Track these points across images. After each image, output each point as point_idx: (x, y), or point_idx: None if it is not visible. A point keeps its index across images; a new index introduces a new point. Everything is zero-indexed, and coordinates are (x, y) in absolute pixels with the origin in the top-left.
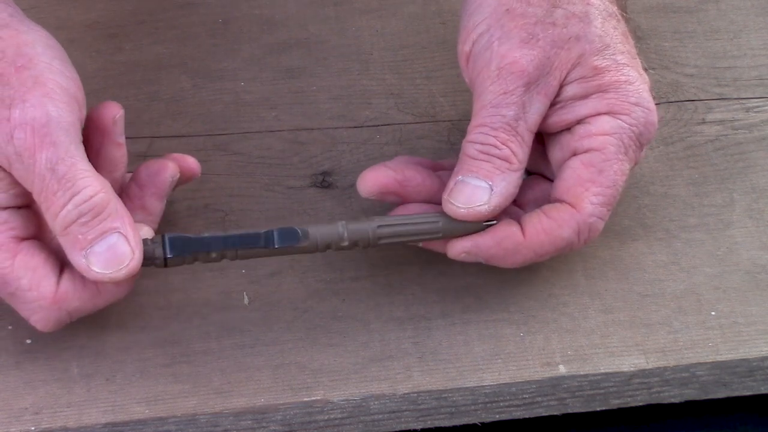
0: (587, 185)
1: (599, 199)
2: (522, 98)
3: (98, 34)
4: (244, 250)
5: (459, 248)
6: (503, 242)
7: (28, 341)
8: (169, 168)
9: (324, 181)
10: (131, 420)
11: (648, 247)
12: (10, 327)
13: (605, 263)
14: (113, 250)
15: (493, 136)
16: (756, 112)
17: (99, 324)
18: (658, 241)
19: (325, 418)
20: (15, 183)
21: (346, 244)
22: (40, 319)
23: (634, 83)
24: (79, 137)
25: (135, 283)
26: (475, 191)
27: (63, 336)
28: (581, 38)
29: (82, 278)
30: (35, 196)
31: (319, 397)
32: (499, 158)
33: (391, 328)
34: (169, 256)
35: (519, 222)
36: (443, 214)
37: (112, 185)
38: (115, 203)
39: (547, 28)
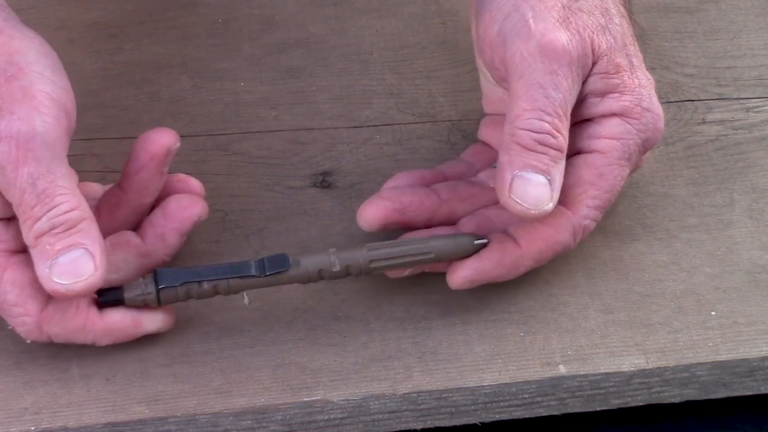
0: (585, 187)
1: (595, 202)
2: (567, 80)
3: (98, 34)
4: (237, 281)
5: (461, 278)
6: (503, 261)
7: (28, 341)
8: (198, 206)
9: (324, 181)
10: (131, 420)
11: (648, 247)
12: (10, 327)
13: (605, 263)
14: (75, 263)
15: (549, 123)
16: (756, 112)
17: None
18: (658, 241)
19: (325, 418)
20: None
21: (337, 270)
22: (22, 331)
23: (646, 87)
24: (64, 151)
25: (121, 334)
26: (539, 190)
27: None
28: (606, 30)
29: (73, 309)
30: (15, 208)
31: (319, 397)
32: (554, 148)
33: (391, 328)
34: (160, 287)
35: (507, 232)
36: (434, 237)
37: (137, 209)
38: (89, 223)
39: (575, 13)
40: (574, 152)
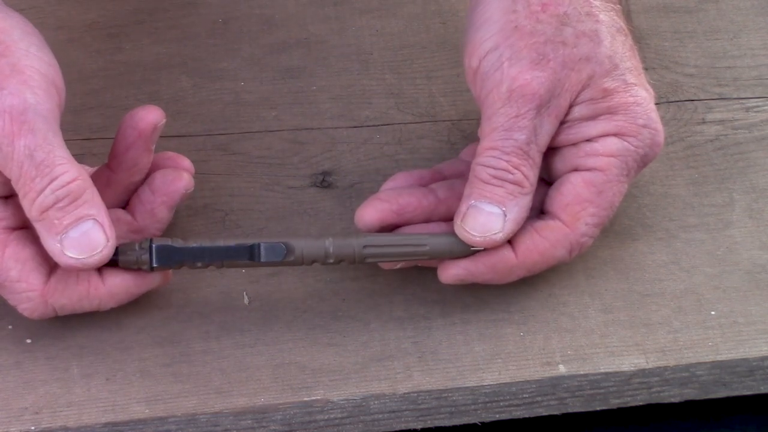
0: (585, 205)
1: (594, 219)
2: (533, 121)
3: (98, 34)
4: (230, 262)
5: (452, 275)
6: (496, 266)
7: (28, 341)
8: (184, 179)
9: (324, 181)
10: (131, 420)
11: (648, 246)
12: (10, 327)
13: (605, 263)
14: (88, 236)
15: (506, 161)
16: (756, 112)
17: (99, 324)
18: (658, 240)
19: (325, 417)
20: None
21: (331, 261)
22: (26, 308)
23: (642, 104)
24: (57, 123)
25: (125, 295)
26: (490, 218)
27: (63, 336)
28: (591, 59)
29: (74, 278)
30: (13, 183)
31: (319, 397)
32: (511, 183)
33: (391, 327)
34: (154, 265)
35: (509, 240)
36: (432, 235)
37: (128, 188)
38: (92, 191)
39: (557, 48)
40: (572, 168)
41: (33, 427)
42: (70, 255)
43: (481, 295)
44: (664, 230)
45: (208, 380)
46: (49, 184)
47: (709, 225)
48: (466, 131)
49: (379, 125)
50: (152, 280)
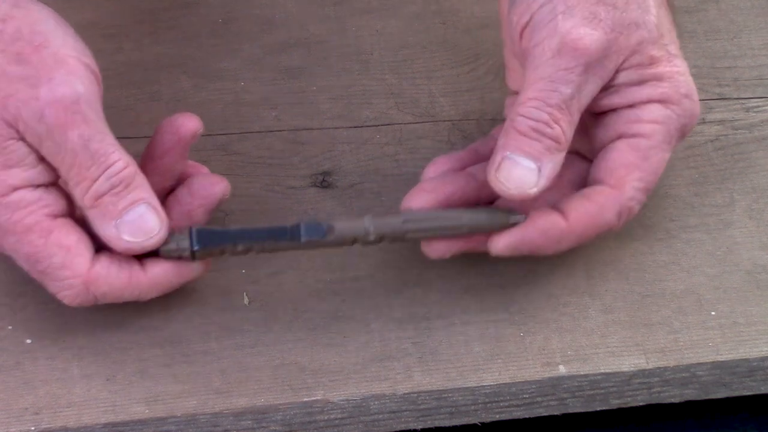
0: (631, 169)
1: (640, 184)
2: (580, 77)
3: (98, 34)
4: (271, 243)
5: (503, 244)
6: (548, 232)
7: (28, 341)
8: (223, 183)
9: (324, 181)
10: (131, 420)
11: (648, 247)
12: (10, 327)
13: (605, 263)
14: (143, 218)
15: (547, 113)
16: (756, 112)
17: (99, 324)
18: (659, 241)
19: (325, 418)
20: (41, 159)
21: (372, 238)
22: (67, 295)
23: (685, 74)
24: (102, 111)
25: (166, 285)
26: (524, 173)
27: (63, 336)
28: (640, 25)
29: (117, 266)
30: (64, 172)
31: (319, 397)
32: (549, 138)
33: (391, 328)
34: (195, 248)
35: (557, 207)
36: (470, 209)
37: (158, 193)
38: (142, 177)
39: (608, 10)
40: (615, 137)
41: (33, 428)
42: (128, 239)
43: (481, 295)
44: (665, 230)
45: (208, 381)
46: (104, 171)
47: (709, 225)
48: (466, 131)
49: (379, 125)
50: (193, 270)
